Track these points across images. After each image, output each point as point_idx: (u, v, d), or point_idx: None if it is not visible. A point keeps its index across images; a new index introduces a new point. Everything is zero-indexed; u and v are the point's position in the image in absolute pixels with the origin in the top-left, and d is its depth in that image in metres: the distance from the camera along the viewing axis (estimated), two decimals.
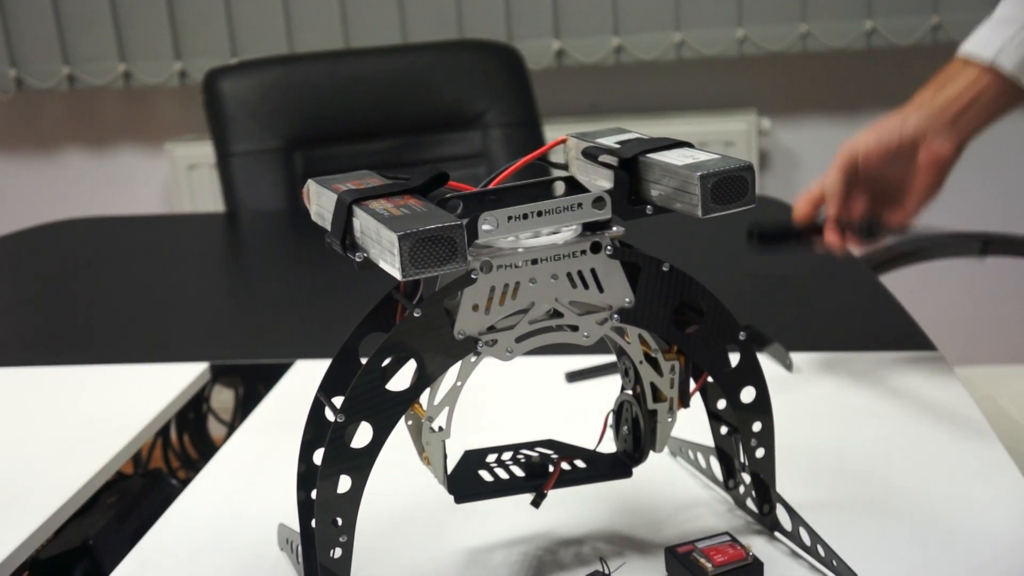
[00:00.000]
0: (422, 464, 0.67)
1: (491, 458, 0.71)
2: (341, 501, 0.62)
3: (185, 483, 1.02)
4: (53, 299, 1.42)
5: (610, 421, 0.73)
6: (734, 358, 0.68)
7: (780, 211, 1.58)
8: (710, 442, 0.75)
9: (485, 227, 0.59)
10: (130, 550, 0.77)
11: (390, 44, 2.27)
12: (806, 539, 0.68)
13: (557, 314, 0.64)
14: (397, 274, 0.55)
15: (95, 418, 0.99)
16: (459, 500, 0.67)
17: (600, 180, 0.66)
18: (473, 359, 0.63)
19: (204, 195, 2.39)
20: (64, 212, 2.39)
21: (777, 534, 0.72)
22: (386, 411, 0.61)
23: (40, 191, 2.58)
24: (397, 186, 0.61)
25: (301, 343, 1.18)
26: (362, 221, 0.59)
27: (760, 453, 0.70)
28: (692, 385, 0.69)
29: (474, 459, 0.70)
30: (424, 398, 0.64)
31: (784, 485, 0.71)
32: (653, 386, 0.68)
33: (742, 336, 0.67)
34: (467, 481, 0.68)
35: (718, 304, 0.66)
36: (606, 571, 0.68)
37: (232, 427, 1.30)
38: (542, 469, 0.69)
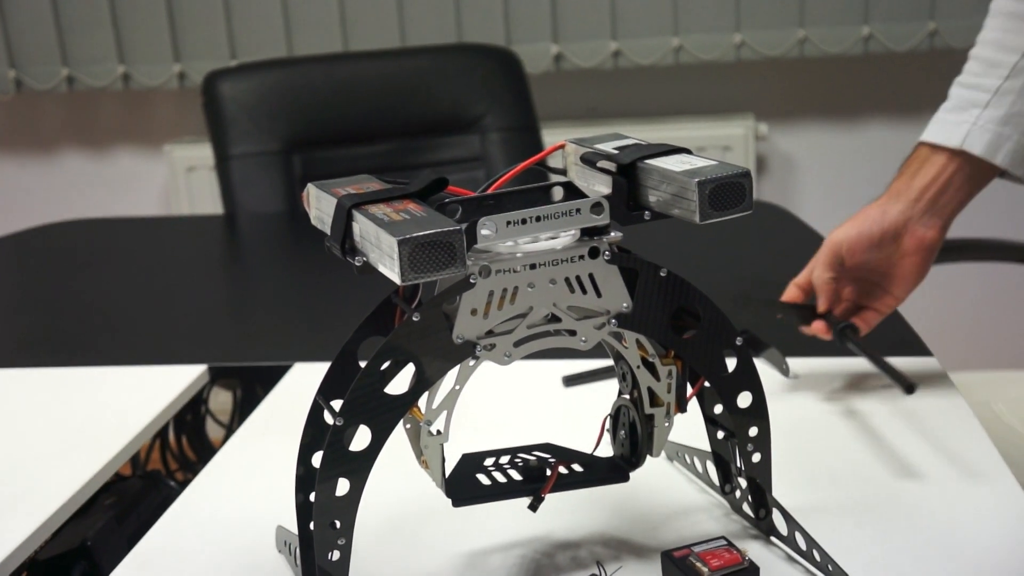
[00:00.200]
0: (420, 467, 0.67)
1: (489, 462, 0.71)
2: (339, 504, 0.62)
3: (183, 485, 1.02)
4: (52, 300, 1.42)
5: (607, 425, 0.73)
6: (731, 363, 0.68)
7: (776, 217, 1.58)
8: (706, 447, 0.75)
9: (484, 232, 0.59)
10: (128, 551, 0.77)
11: (389, 48, 2.27)
12: (802, 544, 0.69)
13: (555, 319, 0.64)
14: (396, 278, 0.55)
15: (94, 419, 0.99)
16: (457, 503, 0.67)
17: (598, 186, 0.66)
18: (471, 363, 0.63)
19: (203, 197, 2.39)
20: (63, 214, 2.39)
21: (773, 539, 0.72)
22: (385, 414, 0.62)
23: (39, 192, 2.58)
24: (396, 191, 0.61)
25: (299, 346, 1.18)
26: (362, 225, 0.59)
27: (756, 458, 0.71)
28: (689, 390, 0.70)
29: (472, 463, 0.71)
30: (422, 402, 0.64)
31: (780, 490, 0.71)
32: (650, 391, 0.68)
33: (739, 341, 0.67)
34: (465, 484, 0.69)
35: (715, 309, 0.66)
36: (603, 575, 0.69)
37: (230, 429, 1.30)
38: (540, 473, 0.70)
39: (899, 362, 1.01)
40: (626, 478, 0.71)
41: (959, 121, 0.89)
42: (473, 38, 2.29)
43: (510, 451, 0.72)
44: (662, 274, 0.65)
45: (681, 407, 0.69)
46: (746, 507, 0.74)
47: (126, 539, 0.91)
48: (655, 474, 0.80)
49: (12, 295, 1.48)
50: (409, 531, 0.76)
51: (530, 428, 0.92)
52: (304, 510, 0.66)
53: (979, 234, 1.55)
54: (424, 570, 0.71)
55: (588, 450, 0.72)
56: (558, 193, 0.67)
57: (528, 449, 0.72)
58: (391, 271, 0.56)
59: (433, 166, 1.86)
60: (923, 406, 0.92)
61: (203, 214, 2.32)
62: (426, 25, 2.30)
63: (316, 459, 0.66)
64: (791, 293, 0.97)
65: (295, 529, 0.68)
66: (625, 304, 0.64)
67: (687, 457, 0.82)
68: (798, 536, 0.69)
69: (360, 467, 0.62)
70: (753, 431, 0.70)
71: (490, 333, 0.63)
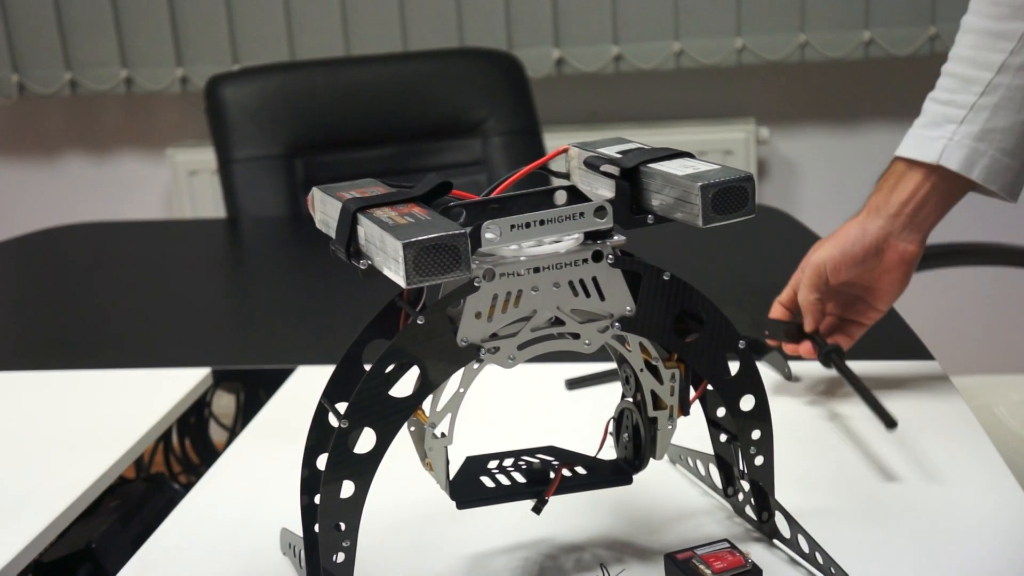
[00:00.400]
0: (424, 470, 0.67)
1: (492, 464, 0.71)
2: (344, 506, 0.63)
3: (186, 487, 1.02)
4: (56, 304, 1.43)
5: (610, 428, 0.73)
6: (733, 366, 0.68)
7: (777, 221, 1.59)
8: (709, 449, 0.75)
9: (488, 235, 0.60)
10: (132, 554, 0.77)
11: (391, 52, 2.28)
12: (804, 546, 0.69)
13: (559, 322, 0.64)
14: (401, 282, 0.56)
15: (98, 422, 1.00)
16: (461, 506, 0.68)
17: (601, 189, 0.67)
18: (475, 366, 0.63)
19: (205, 201, 2.40)
20: (65, 217, 2.40)
21: (776, 541, 0.72)
22: (389, 417, 0.62)
23: (42, 196, 2.59)
24: (401, 194, 0.62)
25: (302, 349, 1.18)
26: (366, 229, 0.59)
27: (759, 461, 0.71)
28: (692, 393, 0.70)
29: (476, 465, 0.71)
30: (426, 404, 0.64)
31: (782, 493, 0.72)
32: (654, 394, 0.68)
33: (742, 345, 0.68)
34: (469, 487, 0.69)
35: (718, 313, 0.66)
36: None
37: (233, 432, 1.31)
38: (543, 476, 0.70)
39: (901, 366, 1.01)
40: (629, 481, 0.71)
41: (935, 137, 0.90)
42: (475, 42, 2.29)
43: (514, 454, 0.72)
44: (665, 277, 0.65)
45: (684, 410, 0.69)
46: (748, 510, 0.74)
47: (130, 541, 0.92)
48: (658, 477, 0.80)
49: (16, 298, 1.48)
50: (413, 533, 0.76)
51: (533, 431, 0.92)
52: (309, 512, 0.66)
53: (975, 238, 1.55)
54: (428, 572, 0.72)
55: (591, 453, 0.73)
56: (561, 197, 0.68)
57: (532, 452, 0.73)
58: (396, 274, 0.56)
59: (435, 170, 1.86)
60: (925, 410, 0.92)
61: (205, 218, 2.32)
62: (428, 29, 2.31)
63: (321, 461, 0.66)
64: (776, 312, 0.98)
65: (300, 531, 0.68)
66: (628, 307, 0.65)
67: (690, 460, 0.82)
68: (801, 539, 0.69)
69: (365, 469, 0.62)
70: (756, 434, 0.70)
71: (494, 336, 0.63)
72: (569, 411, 0.97)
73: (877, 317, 0.96)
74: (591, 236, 0.63)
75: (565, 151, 0.71)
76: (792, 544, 0.70)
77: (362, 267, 0.60)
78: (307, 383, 1.06)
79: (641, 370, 0.68)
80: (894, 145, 0.95)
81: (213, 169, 2.21)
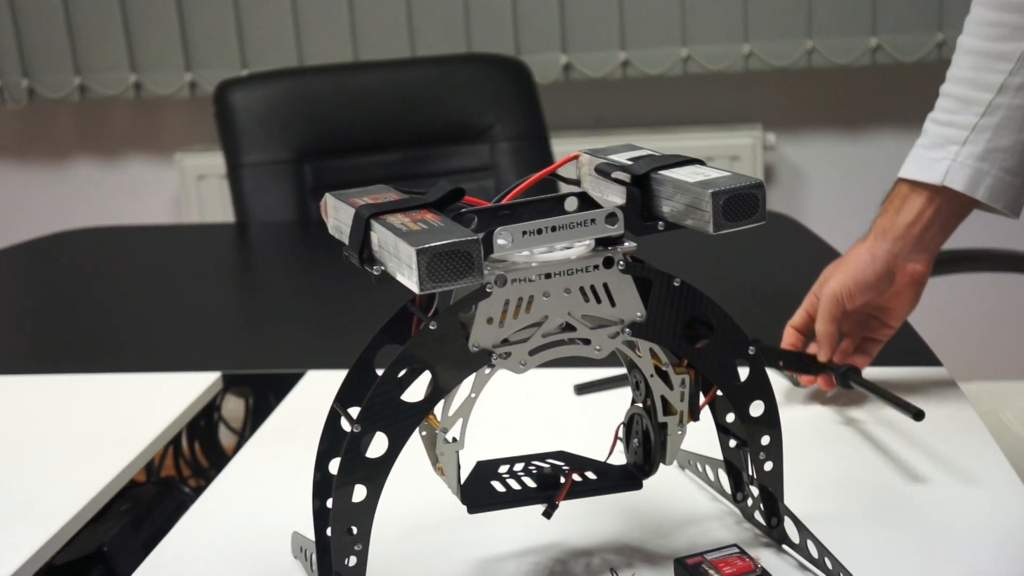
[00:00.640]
0: (435, 474, 0.68)
1: (503, 469, 0.72)
2: (356, 510, 0.63)
3: (196, 491, 1.03)
4: (65, 308, 1.43)
5: (620, 433, 0.74)
6: (743, 372, 0.69)
7: (784, 227, 1.59)
8: (718, 455, 0.76)
9: (500, 242, 0.60)
10: (143, 557, 0.78)
11: (399, 57, 2.28)
12: (814, 552, 0.69)
13: (570, 327, 0.65)
14: (415, 288, 0.56)
15: (110, 426, 1.00)
16: (472, 510, 0.68)
17: (612, 196, 0.67)
18: (487, 371, 0.64)
19: (213, 205, 2.41)
20: (74, 221, 2.41)
21: (784, 547, 0.72)
22: (401, 421, 0.63)
23: (51, 200, 2.60)
24: (414, 201, 0.62)
25: (312, 354, 1.19)
26: (380, 235, 0.60)
27: (768, 466, 0.71)
28: (701, 399, 0.70)
29: (486, 470, 0.71)
30: (438, 410, 0.65)
31: (791, 498, 0.72)
32: (664, 399, 0.69)
33: (751, 351, 0.68)
34: (480, 491, 0.69)
35: (728, 319, 0.67)
36: None
37: (242, 436, 1.31)
38: (554, 480, 0.70)
39: (909, 372, 1.01)
40: (639, 486, 0.72)
41: (938, 158, 0.91)
42: (482, 48, 2.30)
43: (524, 459, 0.73)
44: (676, 284, 0.65)
45: (694, 416, 0.70)
46: (758, 515, 0.74)
47: (141, 544, 0.92)
48: (667, 482, 0.80)
49: (27, 302, 1.49)
50: (424, 537, 0.77)
51: (542, 436, 0.93)
52: (321, 516, 0.67)
53: (981, 244, 1.55)
54: (439, 575, 0.72)
55: (600, 458, 0.73)
56: (572, 203, 0.68)
57: (542, 457, 0.73)
58: (409, 280, 0.57)
59: (443, 175, 1.87)
60: (933, 415, 0.92)
61: (214, 222, 2.33)
62: (436, 35, 2.31)
63: (333, 466, 0.67)
64: (789, 337, 0.99)
65: (311, 535, 0.69)
66: (639, 313, 0.65)
67: (699, 465, 0.82)
68: (810, 544, 0.70)
69: (377, 473, 0.63)
70: (765, 440, 0.71)
71: (505, 342, 0.64)
72: (578, 416, 0.97)
73: (891, 333, 0.98)
74: (602, 242, 0.64)
75: (576, 158, 0.71)
76: (801, 549, 0.71)
77: (375, 273, 0.60)
78: (316, 388, 1.06)
79: (651, 376, 0.68)
80: (901, 151, 0.96)
81: (221, 174, 2.21)
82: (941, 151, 0.91)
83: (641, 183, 0.65)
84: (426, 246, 0.55)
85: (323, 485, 0.67)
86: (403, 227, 0.58)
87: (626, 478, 0.72)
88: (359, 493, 0.63)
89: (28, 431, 1.01)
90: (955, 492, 0.79)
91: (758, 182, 0.62)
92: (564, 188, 0.71)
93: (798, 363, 0.96)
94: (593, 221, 0.62)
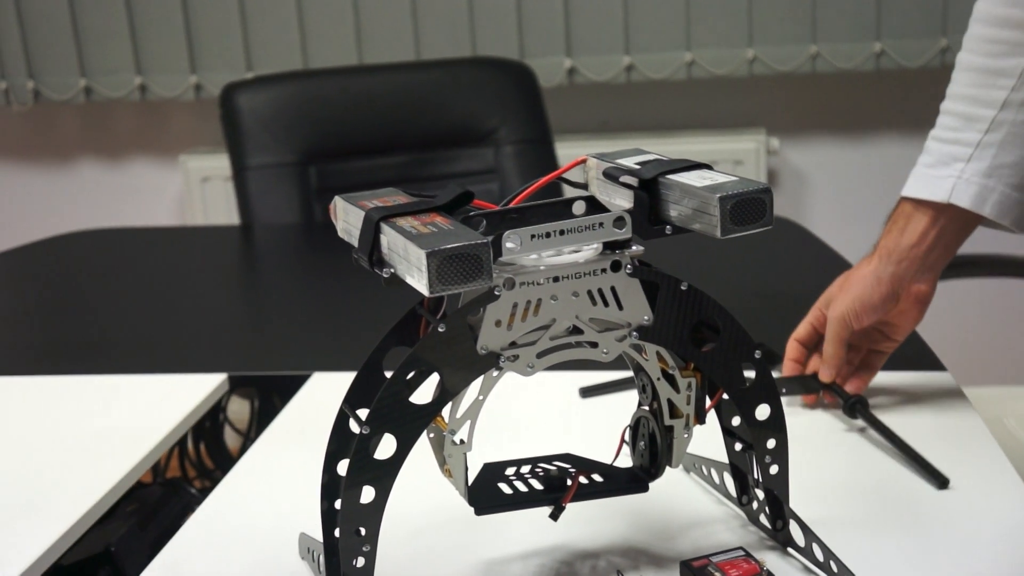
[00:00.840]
0: (443, 476, 0.68)
1: (510, 471, 0.72)
2: (365, 511, 0.63)
3: (201, 491, 1.03)
4: (70, 309, 1.44)
5: (627, 436, 0.74)
6: (749, 376, 0.69)
7: (787, 231, 1.59)
8: (722, 458, 0.76)
9: (509, 245, 0.60)
10: (150, 557, 0.78)
11: (404, 60, 2.29)
12: (819, 555, 0.70)
13: (577, 331, 0.65)
14: (424, 290, 0.56)
15: (117, 426, 1.00)
16: (479, 512, 0.68)
17: (619, 200, 0.68)
18: (495, 374, 0.64)
19: (217, 207, 2.41)
20: (78, 223, 2.41)
21: (790, 550, 0.73)
22: (410, 423, 0.63)
23: (55, 202, 2.61)
24: (423, 204, 0.63)
25: (317, 356, 1.19)
26: (389, 238, 0.60)
27: (774, 470, 0.72)
28: (708, 402, 0.71)
29: (493, 472, 0.72)
30: (446, 412, 0.65)
31: (796, 502, 0.72)
32: (670, 402, 0.69)
33: (758, 355, 0.68)
34: (487, 493, 0.70)
35: (734, 323, 0.67)
36: None
37: (247, 437, 1.32)
38: (560, 483, 0.71)
39: (913, 376, 1.02)
40: (645, 488, 0.72)
41: (943, 175, 0.91)
42: (487, 51, 2.30)
43: (531, 461, 0.73)
44: (683, 288, 0.66)
45: (700, 419, 0.70)
46: (763, 518, 0.75)
47: (148, 545, 0.93)
48: (672, 485, 0.81)
49: (32, 303, 1.49)
50: (432, 538, 0.77)
51: (548, 438, 0.93)
52: (329, 517, 0.67)
53: (985, 250, 1.56)
54: None
55: (606, 461, 0.73)
56: (580, 207, 0.68)
57: (548, 459, 0.73)
58: (419, 283, 0.57)
59: (447, 178, 1.87)
60: (937, 420, 0.93)
61: (218, 224, 2.34)
62: (441, 38, 2.32)
63: (341, 467, 0.67)
64: (793, 351, 1.00)
65: (318, 536, 0.69)
66: (646, 317, 0.65)
67: (704, 468, 0.82)
68: (815, 547, 0.70)
69: (385, 475, 0.63)
70: (771, 443, 0.71)
71: (513, 344, 0.64)
72: (583, 419, 0.98)
73: (895, 346, 0.98)
74: (610, 246, 0.64)
75: (583, 162, 0.72)
76: (806, 552, 0.71)
77: (385, 275, 0.60)
78: (322, 389, 1.07)
79: (658, 379, 0.68)
80: (904, 156, 0.96)
81: (226, 176, 2.22)
82: (945, 169, 0.91)
83: (649, 187, 0.65)
84: (436, 249, 0.56)
85: (331, 486, 0.68)
86: (413, 230, 0.59)
87: (632, 481, 0.72)
88: (367, 494, 0.63)
89: (36, 432, 1.01)
90: (960, 497, 0.80)
91: (766, 187, 0.62)
92: (570, 192, 0.71)
93: (801, 387, 0.97)
94: (601, 225, 0.62)
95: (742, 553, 0.69)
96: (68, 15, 2.38)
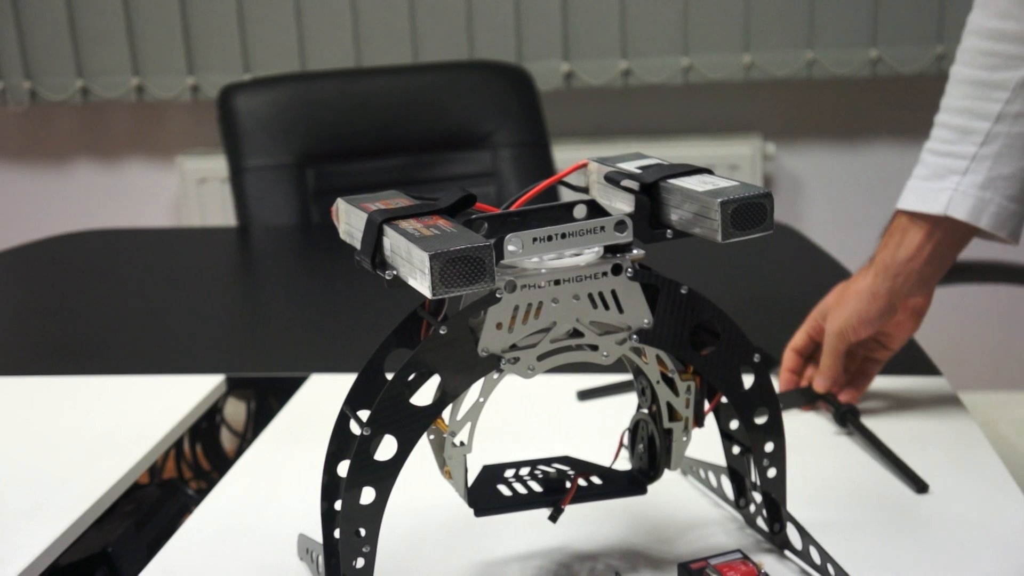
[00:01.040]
0: (443, 478, 0.68)
1: (509, 473, 0.72)
2: (365, 512, 0.64)
3: (198, 493, 1.03)
4: (67, 310, 1.44)
5: (625, 439, 0.74)
6: (748, 380, 0.69)
7: (784, 236, 1.60)
8: (719, 461, 0.76)
9: (511, 248, 0.61)
10: (148, 558, 0.78)
11: (402, 63, 2.29)
12: (816, 558, 0.70)
13: (578, 333, 0.65)
14: (427, 292, 0.57)
15: (114, 427, 1.00)
16: (479, 513, 0.69)
17: (620, 203, 0.68)
18: (496, 376, 0.65)
19: (213, 209, 2.41)
20: (74, 224, 2.41)
21: (787, 553, 0.73)
22: (410, 425, 0.63)
23: (52, 202, 2.60)
24: (426, 207, 0.63)
25: (315, 357, 1.19)
26: (392, 240, 0.60)
27: (772, 473, 0.72)
28: (706, 405, 0.71)
29: (493, 474, 0.72)
30: (446, 413, 0.65)
31: (793, 505, 0.73)
32: (669, 405, 0.69)
33: (756, 358, 0.69)
34: (487, 495, 0.70)
35: (734, 327, 0.68)
36: None
37: (244, 439, 1.32)
38: (559, 485, 0.71)
39: (909, 381, 1.02)
40: (644, 491, 0.72)
41: (939, 188, 0.91)
42: (485, 55, 2.31)
43: (530, 463, 0.73)
44: (683, 291, 0.66)
45: (699, 422, 0.70)
46: (760, 521, 0.75)
47: (145, 546, 0.93)
48: (670, 488, 0.81)
49: (28, 304, 1.49)
50: (431, 539, 0.77)
51: (546, 441, 0.94)
52: (329, 518, 0.67)
53: (977, 256, 1.56)
54: None
55: (602, 463, 0.74)
56: (581, 211, 0.69)
57: (547, 461, 0.74)
58: (422, 285, 0.57)
59: (444, 181, 1.87)
60: (933, 425, 0.93)
61: (215, 226, 2.34)
62: (438, 42, 2.32)
63: (341, 468, 0.67)
64: (790, 361, 1.00)
65: (317, 537, 0.69)
66: (646, 320, 0.66)
67: (701, 471, 0.83)
68: (812, 550, 0.70)
69: (386, 476, 0.63)
70: (769, 447, 0.71)
71: (514, 347, 0.64)
72: (581, 422, 0.98)
73: (890, 355, 0.99)
74: (611, 250, 0.65)
75: (584, 165, 0.72)
76: (804, 555, 0.71)
77: (388, 277, 0.61)
78: (320, 391, 1.07)
79: (658, 382, 0.69)
80: (900, 162, 0.96)
81: (222, 177, 2.22)
82: (942, 182, 0.91)
83: (650, 191, 0.66)
84: (440, 251, 0.56)
85: (331, 487, 0.68)
86: (416, 232, 0.59)
87: (631, 483, 0.73)
88: (368, 495, 0.63)
89: (33, 433, 1.01)
90: (956, 501, 0.80)
91: (766, 192, 0.62)
92: (568, 195, 0.72)
93: (797, 401, 0.97)
94: (602, 228, 0.62)
95: (740, 556, 0.69)
96: (65, 15, 2.38)
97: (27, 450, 0.97)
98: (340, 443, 0.68)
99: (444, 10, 2.31)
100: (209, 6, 2.36)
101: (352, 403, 0.68)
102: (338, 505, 0.66)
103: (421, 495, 0.78)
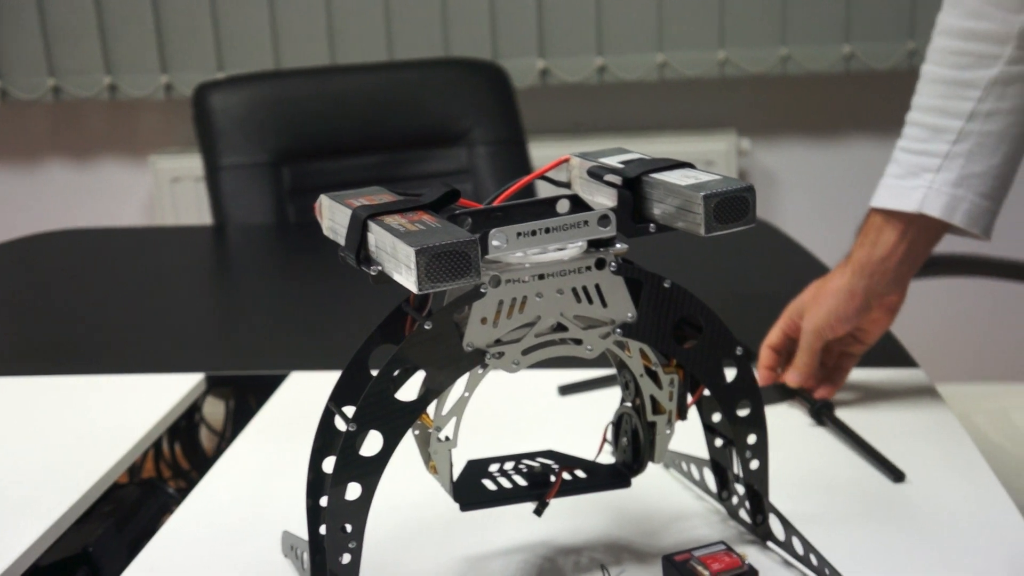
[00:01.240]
0: (428, 473, 0.68)
1: (494, 467, 0.72)
2: (351, 508, 0.63)
3: (178, 492, 1.03)
4: (42, 310, 1.42)
5: (609, 433, 0.75)
6: (730, 373, 0.70)
7: (761, 231, 1.61)
8: (701, 454, 0.77)
9: (495, 243, 0.61)
10: (129, 558, 0.78)
11: (377, 61, 2.29)
12: (799, 548, 0.71)
13: (562, 328, 0.66)
14: (413, 287, 0.57)
15: (94, 427, 1.00)
16: (465, 508, 0.69)
17: (602, 198, 0.68)
18: (481, 371, 0.65)
19: (187, 208, 2.40)
20: (46, 224, 2.39)
21: (770, 543, 0.74)
22: (396, 420, 0.63)
23: (24, 202, 2.58)
24: (410, 202, 0.63)
25: (294, 355, 1.19)
26: (377, 236, 0.60)
27: (754, 465, 0.72)
28: (689, 398, 0.71)
29: (477, 468, 0.72)
30: (431, 409, 0.65)
31: (776, 496, 0.73)
32: (653, 399, 0.70)
33: (739, 352, 0.69)
34: (472, 490, 0.70)
35: (716, 320, 0.68)
36: None
37: (223, 437, 1.31)
38: (544, 479, 0.71)
39: (886, 373, 1.03)
40: (628, 484, 0.73)
41: (913, 186, 0.92)
42: (460, 52, 2.31)
43: (514, 457, 0.73)
44: (666, 285, 0.66)
45: (682, 415, 0.71)
46: (743, 513, 0.76)
47: (126, 546, 0.92)
48: (653, 481, 0.81)
49: (3, 304, 1.48)
50: (417, 534, 0.77)
51: (528, 435, 0.94)
52: (315, 514, 0.67)
53: (952, 250, 1.58)
54: (430, 572, 0.73)
55: (587, 456, 0.74)
56: (564, 206, 0.69)
57: (532, 455, 0.74)
58: (407, 280, 0.57)
59: (421, 179, 1.87)
60: (910, 416, 0.94)
61: (190, 224, 2.32)
62: (413, 39, 2.32)
63: (326, 464, 0.67)
64: (766, 358, 1.01)
65: (300, 534, 0.69)
66: (630, 314, 0.66)
67: (683, 464, 0.83)
68: (795, 540, 0.71)
69: (371, 471, 0.63)
70: (751, 439, 0.72)
71: (499, 342, 0.64)
72: (563, 416, 0.98)
73: (865, 349, 1.00)
74: (594, 244, 0.65)
75: (566, 161, 0.72)
76: (786, 546, 0.72)
77: (373, 273, 0.61)
78: (300, 388, 1.06)
79: (641, 375, 0.69)
80: (873, 157, 0.98)
81: (196, 176, 2.21)
82: (915, 179, 0.92)
83: (633, 186, 0.66)
84: (425, 246, 0.56)
85: (317, 484, 0.68)
86: (401, 228, 0.59)
87: (615, 476, 0.73)
88: (353, 491, 0.63)
89: (11, 434, 1.00)
90: (936, 490, 0.81)
91: (748, 185, 0.63)
92: (546, 191, 0.72)
93: (771, 397, 0.98)
94: (586, 223, 0.63)
95: (723, 547, 0.69)
96: (36, 14, 2.36)
97: (4, 451, 0.96)
98: (325, 439, 0.68)
99: (419, 7, 2.30)
100: (182, 4, 2.34)
101: (337, 399, 0.68)
102: (324, 501, 0.66)
103: (407, 490, 0.78)
